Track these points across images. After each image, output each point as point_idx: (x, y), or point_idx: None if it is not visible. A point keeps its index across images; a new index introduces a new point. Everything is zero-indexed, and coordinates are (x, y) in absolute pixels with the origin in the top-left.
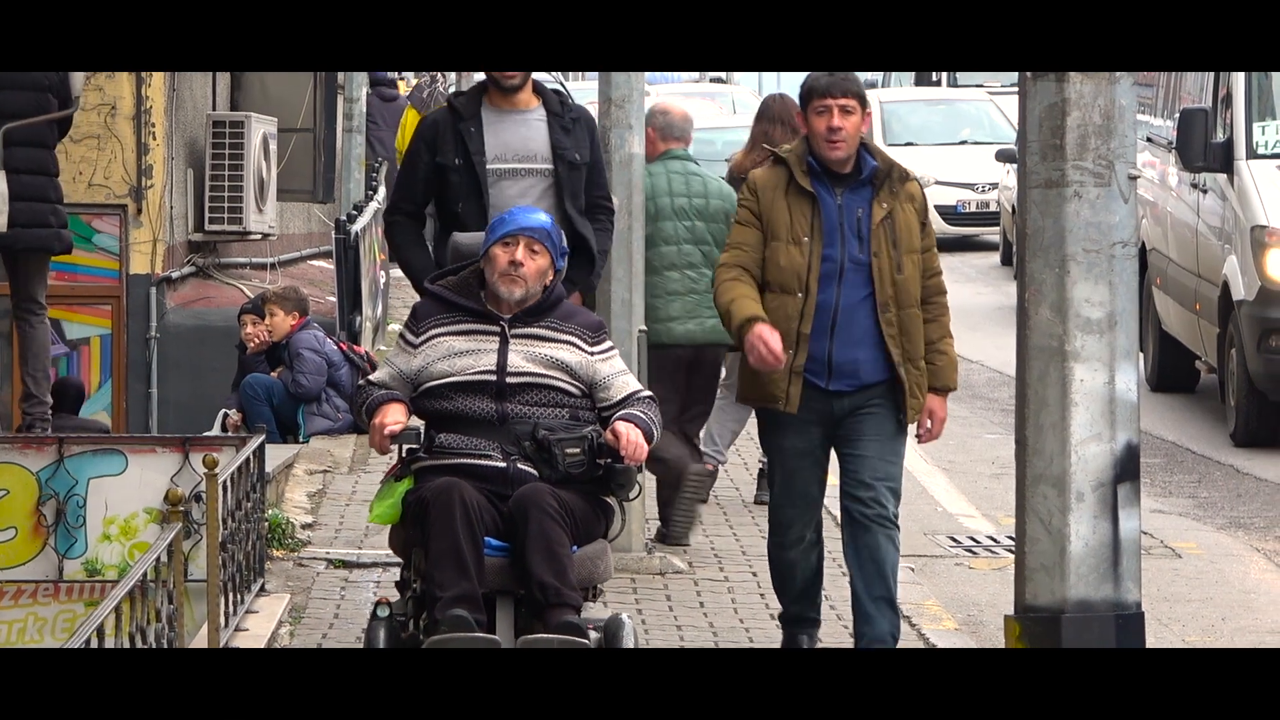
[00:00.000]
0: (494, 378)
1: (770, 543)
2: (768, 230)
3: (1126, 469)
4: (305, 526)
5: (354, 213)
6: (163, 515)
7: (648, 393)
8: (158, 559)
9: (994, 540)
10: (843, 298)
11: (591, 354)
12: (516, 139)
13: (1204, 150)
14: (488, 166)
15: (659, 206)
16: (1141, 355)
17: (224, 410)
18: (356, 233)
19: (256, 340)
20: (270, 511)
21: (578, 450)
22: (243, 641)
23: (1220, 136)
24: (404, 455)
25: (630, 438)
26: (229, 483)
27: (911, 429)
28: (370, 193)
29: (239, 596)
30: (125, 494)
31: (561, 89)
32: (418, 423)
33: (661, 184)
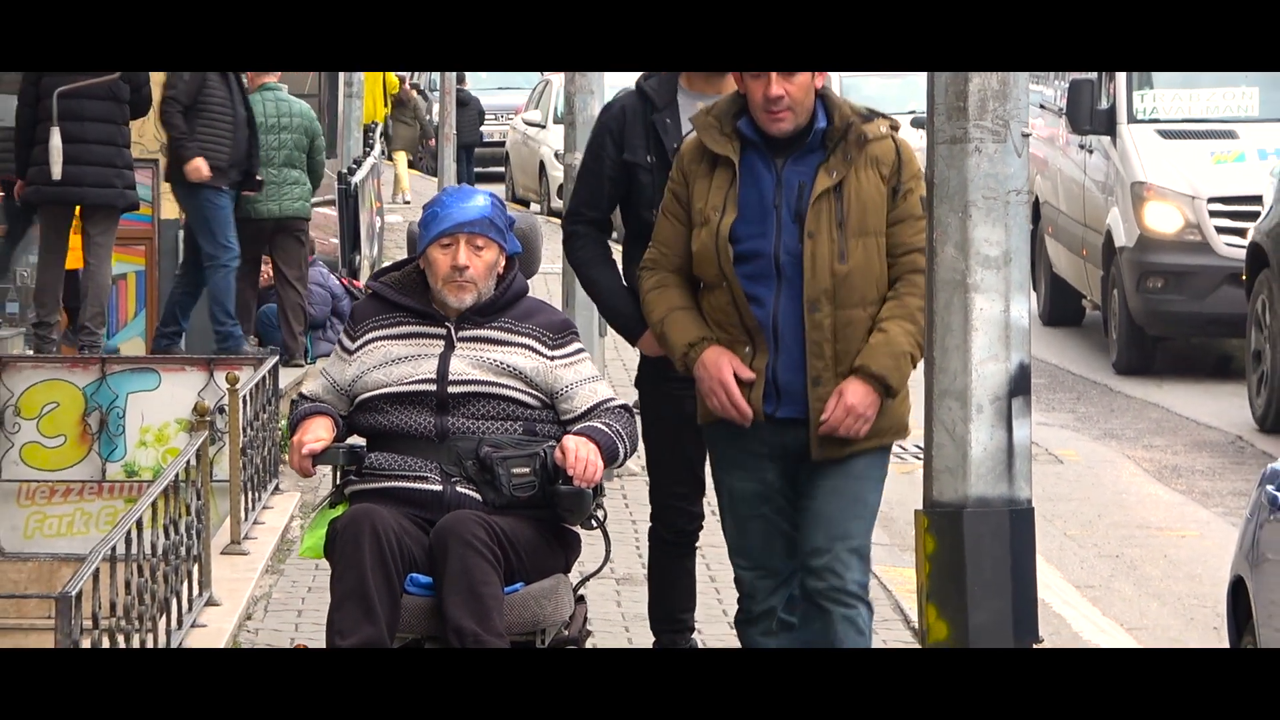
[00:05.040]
0: (434, 387)
1: (737, 617)
2: (692, 216)
3: (1019, 385)
4: None
5: (354, 166)
6: (191, 424)
7: (620, 401)
8: (187, 462)
9: (902, 448)
10: (783, 301)
11: (552, 358)
12: None
13: (1090, 116)
14: None
15: (263, 124)
16: (1035, 294)
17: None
18: (356, 183)
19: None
20: (283, 421)
21: (526, 470)
22: (260, 533)
23: (1105, 104)
24: (338, 478)
25: (579, 454)
26: (248, 396)
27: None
28: (367, 149)
29: (257, 494)
30: (159, 406)
31: None
32: (359, 440)
33: (258, 108)
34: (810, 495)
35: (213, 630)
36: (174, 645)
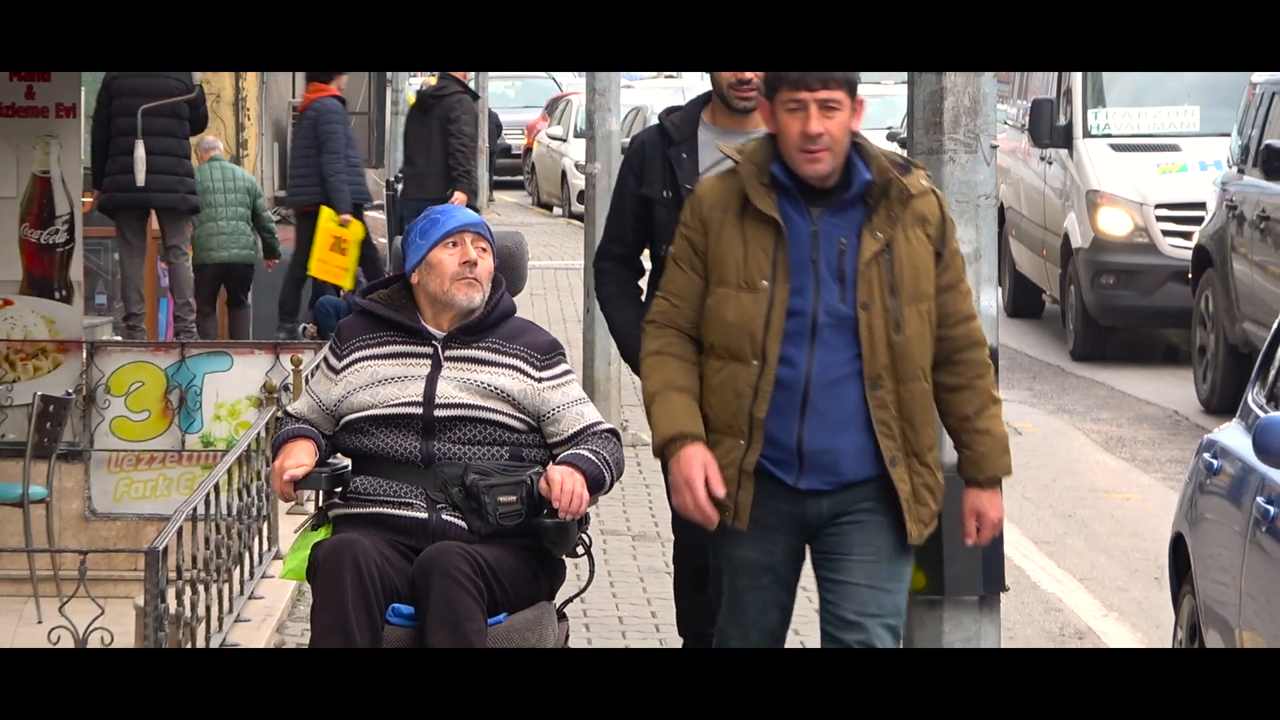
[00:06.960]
0: (420, 410)
1: None
2: (711, 271)
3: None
4: None
5: (400, 174)
6: (260, 400)
7: (608, 426)
8: (258, 434)
9: None
10: (817, 365)
11: (539, 380)
12: None
13: (1050, 131)
14: None
15: (212, 188)
16: (1000, 289)
17: (303, 324)
18: (400, 189)
19: None
20: None
21: (513, 498)
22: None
23: (1063, 121)
24: (321, 501)
25: (565, 486)
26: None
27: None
28: None
29: None
30: (231, 385)
31: None
32: (342, 462)
33: (207, 176)
34: (835, 568)
35: (280, 581)
36: (247, 594)
